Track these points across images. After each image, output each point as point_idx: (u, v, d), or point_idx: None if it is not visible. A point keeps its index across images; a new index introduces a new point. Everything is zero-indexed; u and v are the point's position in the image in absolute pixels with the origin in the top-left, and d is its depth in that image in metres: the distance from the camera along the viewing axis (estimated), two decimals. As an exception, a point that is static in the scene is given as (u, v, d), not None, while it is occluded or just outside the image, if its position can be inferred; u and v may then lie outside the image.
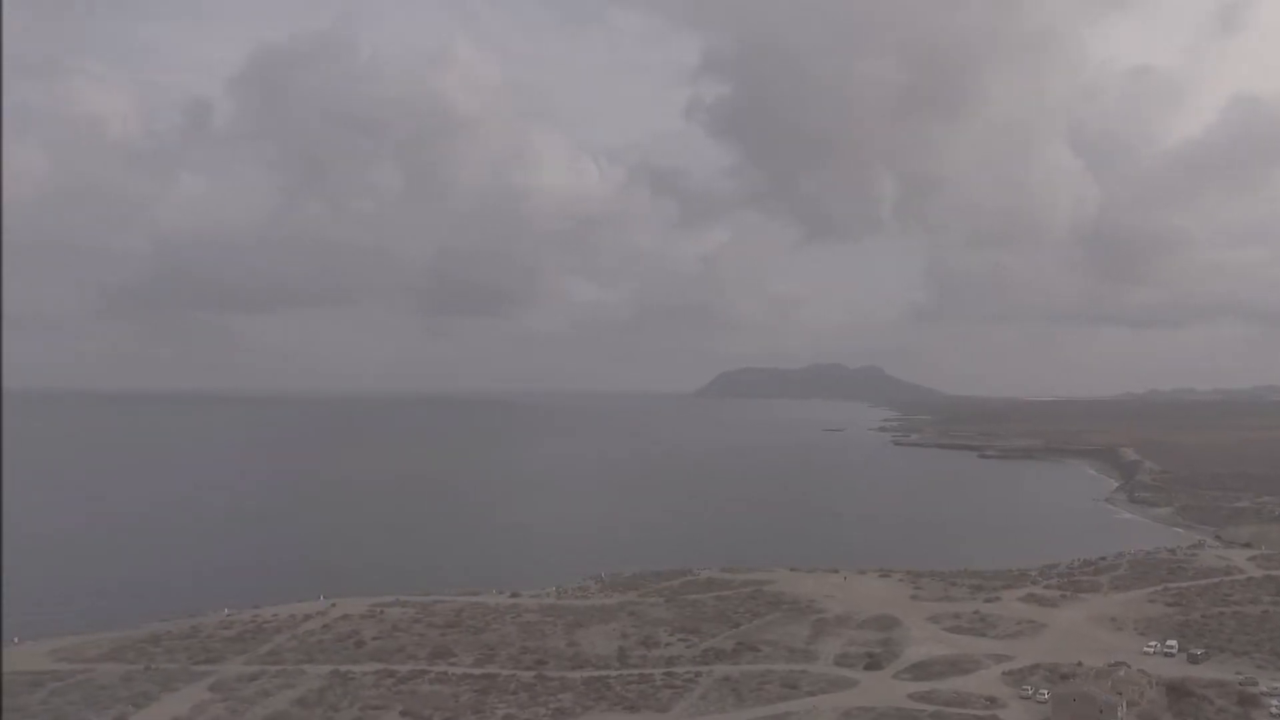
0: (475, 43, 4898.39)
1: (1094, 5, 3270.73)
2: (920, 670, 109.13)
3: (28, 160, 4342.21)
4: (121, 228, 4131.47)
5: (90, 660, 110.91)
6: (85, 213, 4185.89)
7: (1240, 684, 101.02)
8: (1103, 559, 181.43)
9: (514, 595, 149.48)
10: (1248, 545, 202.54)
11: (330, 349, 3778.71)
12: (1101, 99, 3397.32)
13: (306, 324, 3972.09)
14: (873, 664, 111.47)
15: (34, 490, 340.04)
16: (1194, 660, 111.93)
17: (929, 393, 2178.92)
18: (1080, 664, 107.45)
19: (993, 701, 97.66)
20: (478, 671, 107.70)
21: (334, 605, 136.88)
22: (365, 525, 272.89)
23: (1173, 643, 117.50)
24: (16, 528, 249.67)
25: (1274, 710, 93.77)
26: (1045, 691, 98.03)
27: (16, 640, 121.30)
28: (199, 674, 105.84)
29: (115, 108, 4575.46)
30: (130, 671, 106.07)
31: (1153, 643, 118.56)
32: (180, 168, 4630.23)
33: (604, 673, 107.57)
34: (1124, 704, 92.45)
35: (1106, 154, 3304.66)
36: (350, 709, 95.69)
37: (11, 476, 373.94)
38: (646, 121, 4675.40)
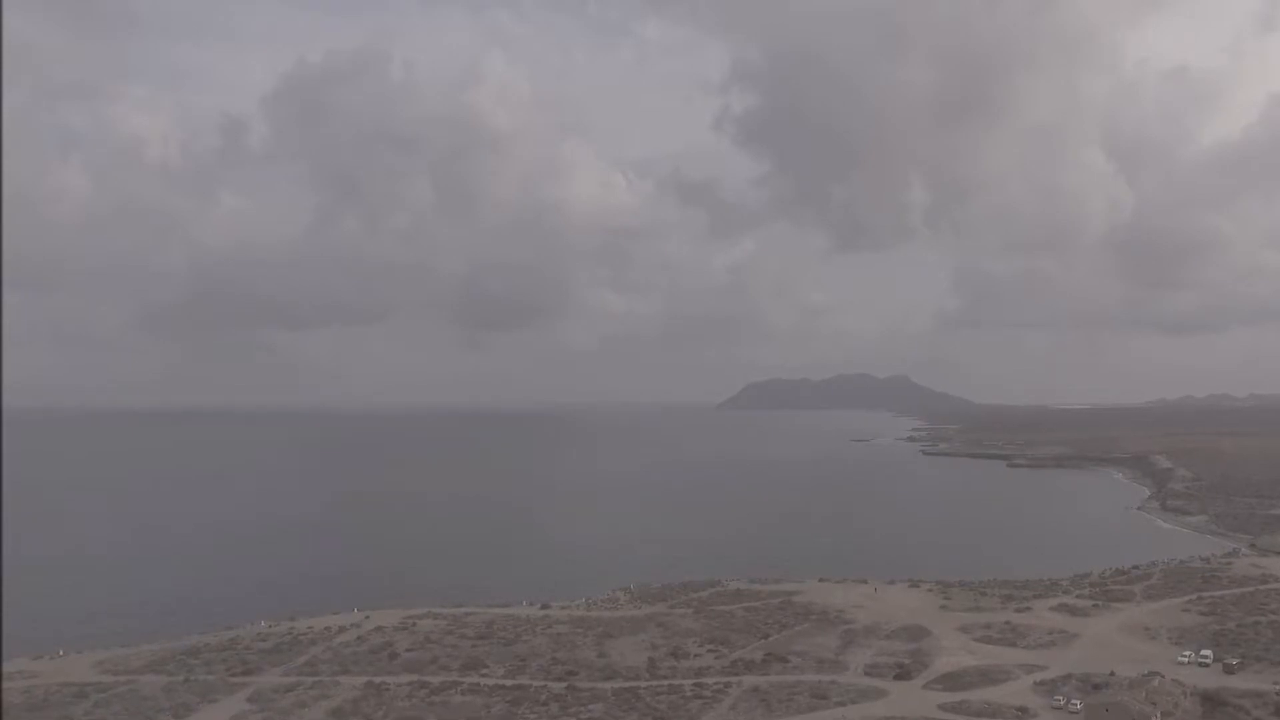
0: (505, 58, 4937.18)
1: (1130, 6, 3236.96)
2: (951, 680, 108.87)
3: (70, 182, 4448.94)
4: (162, 247, 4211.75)
5: (133, 672, 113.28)
6: (126, 233, 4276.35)
7: (1278, 694, 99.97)
8: (1135, 568, 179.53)
9: (544, 607, 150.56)
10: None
11: (367, 365, 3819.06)
12: (1137, 101, 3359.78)
13: (344, 340, 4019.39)
14: (902, 674, 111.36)
15: (80, 507, 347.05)
16: (1229, 670, 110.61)
17: (958, 402, 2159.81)
18: (1113, 674, 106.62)
19: (1024, 712, 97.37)
20: (509, 683, 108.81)
21: (368, 617, 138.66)
22: (398, 538, 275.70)
23: (1207, 652, 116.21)
24: (64, 544, 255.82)
25: None
26: (1078, 702, 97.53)
27: (61, 652, 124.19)
28: (237, 685, 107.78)
29: (155, 129, 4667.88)
30: (171, 683, 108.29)
31: (1187, 652, 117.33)
32: (218, 187, 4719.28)
33: (634, 684, 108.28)
34: (1158, 714, 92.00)
35: (1142, 156, 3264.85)
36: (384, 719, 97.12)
37: (59, 494, 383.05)
38: (676, 133, 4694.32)
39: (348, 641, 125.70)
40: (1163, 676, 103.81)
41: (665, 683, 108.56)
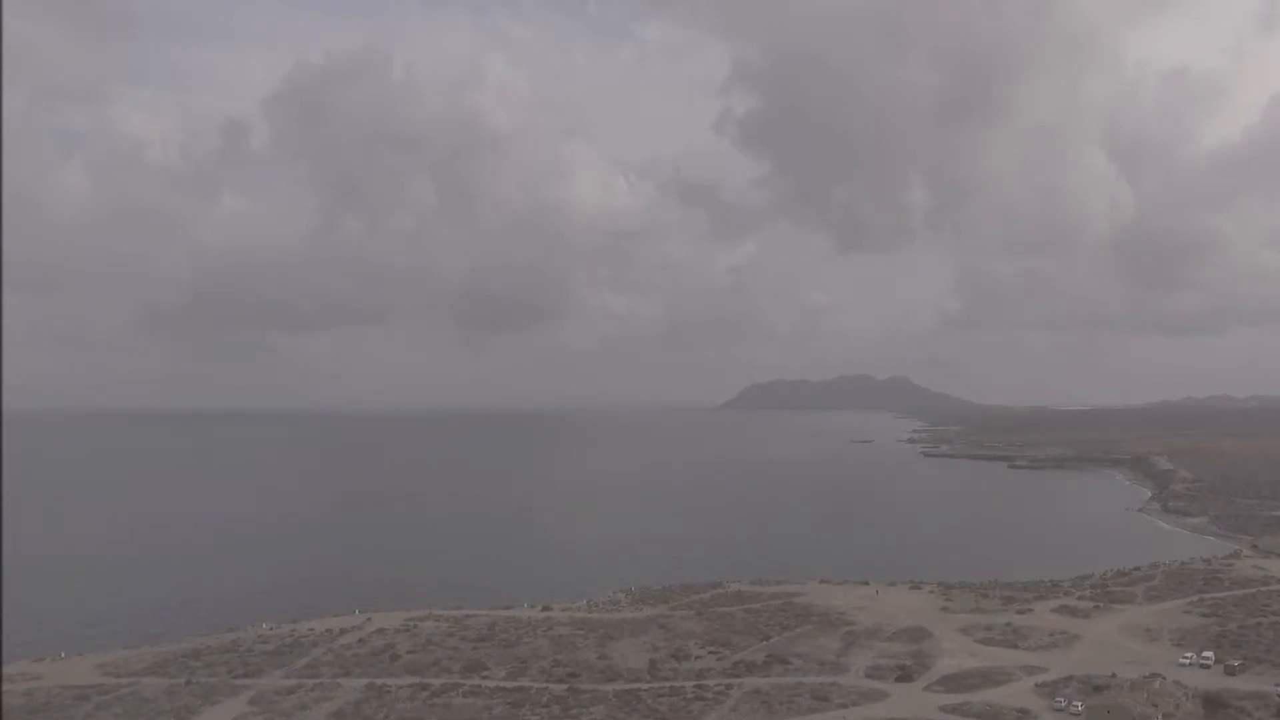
0: (506, 59, 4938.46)
1: (1131, 6, 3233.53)
2: (952, 682, 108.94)
3: (71, 183, 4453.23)
4: (163, 248, 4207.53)
5: (135, 674, 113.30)
6: (127, 234, 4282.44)
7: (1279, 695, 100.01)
8: (1136, 569, 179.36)
9: (545, 609, 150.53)
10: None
11: (370, 366, 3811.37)
12: (1138, 101, 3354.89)
13: (346, 342, 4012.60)
14: (904, 676, 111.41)
15: (80, 507, 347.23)
16: (1231, 672, 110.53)
17: (959, 403, 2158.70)
18: (1114, 676, 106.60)
19: (1025, 714, 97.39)
20: (510, 685, 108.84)
21: (369, 619, 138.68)
22: (399, 539, 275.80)
23: (1209, 654, 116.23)
24: (64, 544, 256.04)
25: None
26: (1079, 704, 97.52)
27: (63, 654, 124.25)
28: (239, 687, 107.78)
29: (155, 131, 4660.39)
30: (173, 685, 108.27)
31: (1188, 654, 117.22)
32: (219, 188, 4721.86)
33: (635, 685, 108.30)
34: (1160, 716, 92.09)
35: (1143, 157, 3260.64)
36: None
37: (61, 496, 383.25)
38: (676, 134, 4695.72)
39: (349, 643, 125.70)
40: (1164, 678, 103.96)
41: (666, 684, 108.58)
